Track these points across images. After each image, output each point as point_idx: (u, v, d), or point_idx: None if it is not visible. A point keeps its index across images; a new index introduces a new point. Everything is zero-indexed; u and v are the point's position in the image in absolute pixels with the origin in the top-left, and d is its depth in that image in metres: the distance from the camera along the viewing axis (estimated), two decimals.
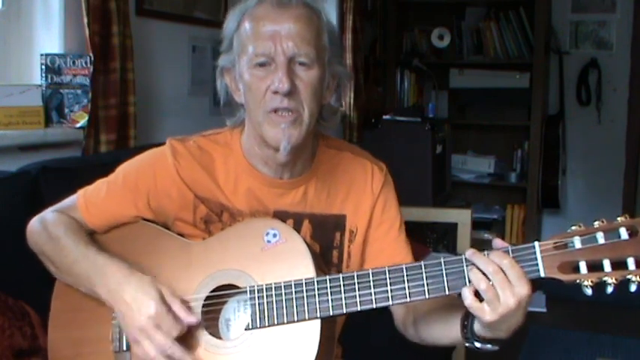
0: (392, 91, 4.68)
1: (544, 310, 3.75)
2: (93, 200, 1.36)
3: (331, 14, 3.96)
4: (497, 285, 1.07)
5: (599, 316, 3.63)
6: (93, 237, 1.36)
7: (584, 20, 4.53)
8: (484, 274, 1.09)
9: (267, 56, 1.20)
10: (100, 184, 1.38)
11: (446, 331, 1.25)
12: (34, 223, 1.37)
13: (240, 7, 1.27)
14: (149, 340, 1.17)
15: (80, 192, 1.39)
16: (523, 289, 1.08)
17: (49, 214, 1.37)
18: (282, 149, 1.22)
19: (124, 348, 1.27)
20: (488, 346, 1.17)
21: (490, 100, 4.57)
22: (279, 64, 1.20)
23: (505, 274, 1.08)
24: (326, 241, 1.34)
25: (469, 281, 1.11)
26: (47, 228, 1.34)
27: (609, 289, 1.08)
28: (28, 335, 1.46)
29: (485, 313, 1.09)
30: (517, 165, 4.67)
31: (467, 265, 1.12)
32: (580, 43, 4.55)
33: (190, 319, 1.20)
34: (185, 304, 1.23)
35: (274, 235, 1.24)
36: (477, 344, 1.17)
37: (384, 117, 3.88)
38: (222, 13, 3.01)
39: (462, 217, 2.97)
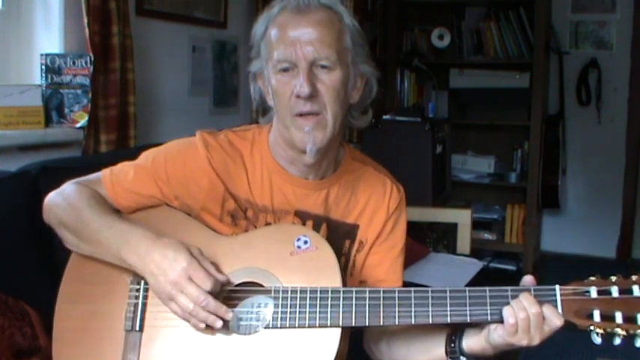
0: (392, 91, 4.67)
1: None
2: (120, 181, 1.37)
3: None
4: (532, 323, 1.15)
5: None
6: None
7: (584, 20, 4.53)
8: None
9: (290, 62, 1.25)
10: (127, 166, 1.39)
11: (427, 348, 1.29)
12: (53, 196, 1.38)
13: (265, 14, 1.33)
14: (183, 294, 1.19)
15: (105, 171, 1.39)
16: (551, 332, 1.17)
17: (69, 186, 1.37)
18: (309, 151, 1.27)
19: (137, 328, 1.27)
20: None
21: (490, 100, 4.57)
22: (300, 69, 1.25)
23: (544, 319, 1.15)
24: (336, 247, 1.35)
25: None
26: (68, 198, 1.34)
27: (617, 341, 1.16)
28: (28, 335, 1.46)
29: (513, 336, 1.16)
30: (517, 165, 4.67)
31: (509, 296, 1.19)
32: (580, 43, 4.55)
33: (220, 276, 1.22)
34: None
35: (305, 242, 1.26)
36: (463, 358, 1.23)
37: (384, 117, 3.87)
38: (222, 13, 3.02)
39: (462, 217, 2.98)
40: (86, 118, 2.14)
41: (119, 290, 1.29)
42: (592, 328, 1.16)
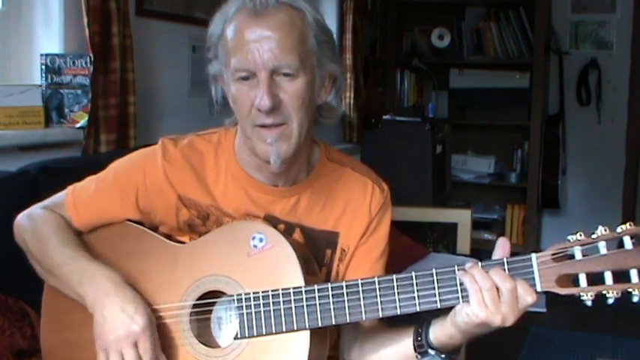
0: (392, 91, 4.68)
1: (544, 310, 3.75)
2: (81, 197, 1.33)
3: (331, 14, 3.96)
4: (505, 299, 1.06)
5: (599, 316, 3.63)
6: (81, 238, 1.33)
7: (584, 20, 4.53)
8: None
9: (248, 71, 1.16)
10: (89, 181, 1.35)
11: (397, 346, 1.22)
12: (22, 220, 1.35)
13: (220, 14, 1.23)
14: (120, 355, 1.15)
15: (69, 188, 1.36)
16: (525, 309, 1.07)
17: (37, 210, 1.34)
18: (273, 162, 1.18)
19: None
20: (443, 356, 1.16)
21: (490, 100, 4.57)
22: (260, 79, 1.15)
23: (516, 294, 1.06)
24: (316, 257, 1.30)
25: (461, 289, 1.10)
26: (35, 226, 1.31)
27: (610, 301, 1.04)
28: (28, 335, 1.46)
29: (481, 308, 1.06)
30: (517, 165, 4.67)
31: (458, 270, 1.10)
32: (580, 43, 4.55)
33: (162, 357, 1.19)
34: (173, 310, 1.23)
35: (260, 240, 1.21)
36: (431, 351, 1.15)
37: (384, 117, 3.87)
38: None
39: (462, 217, 2.98)
40: (86, 118, 2.14)
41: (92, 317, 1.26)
42: (578, 294, 1.04)
